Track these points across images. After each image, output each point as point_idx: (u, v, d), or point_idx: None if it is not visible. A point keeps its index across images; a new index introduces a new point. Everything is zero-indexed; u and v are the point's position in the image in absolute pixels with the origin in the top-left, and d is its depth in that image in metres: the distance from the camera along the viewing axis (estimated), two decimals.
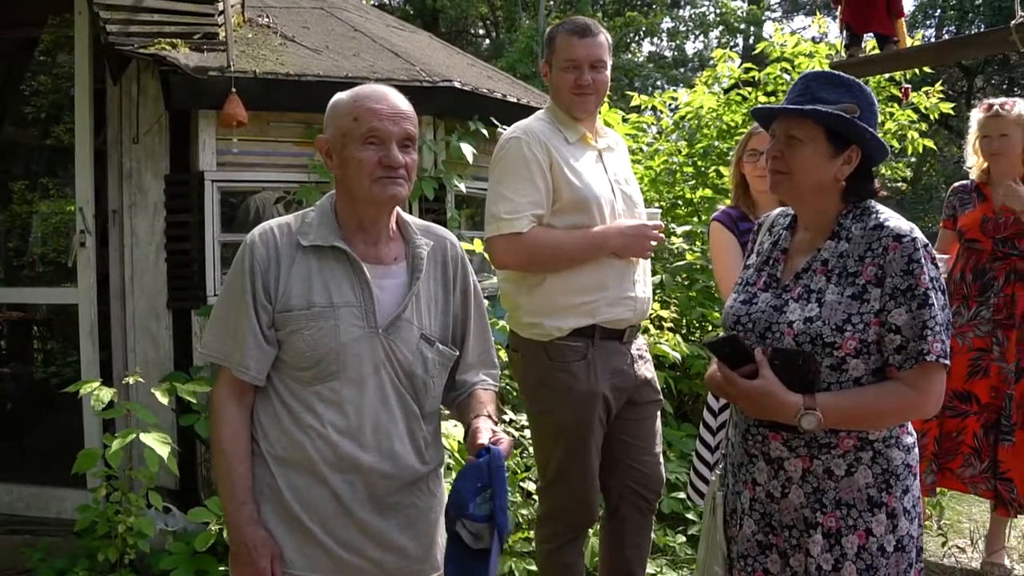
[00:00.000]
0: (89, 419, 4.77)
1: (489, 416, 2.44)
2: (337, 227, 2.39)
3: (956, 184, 4.64)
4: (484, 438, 2.28)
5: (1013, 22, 4.90)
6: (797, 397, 2.21)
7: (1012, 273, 4.26)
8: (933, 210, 15.07)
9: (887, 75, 7.48)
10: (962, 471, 4.33)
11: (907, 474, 2.36)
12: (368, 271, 2.36)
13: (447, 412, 2.72)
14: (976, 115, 4.43)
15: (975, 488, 4.39)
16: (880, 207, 2.40)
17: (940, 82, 8.43)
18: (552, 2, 22.87)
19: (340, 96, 2.40)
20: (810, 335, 2.26)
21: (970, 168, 4.52)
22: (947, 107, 8.05)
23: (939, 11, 23.31)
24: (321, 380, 2.32)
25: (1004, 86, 22.78)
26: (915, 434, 2.45)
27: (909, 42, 6.07)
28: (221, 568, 4.01)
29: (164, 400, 4.18)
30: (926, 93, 7.98)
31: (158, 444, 3.91)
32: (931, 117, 8.11)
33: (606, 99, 3.86)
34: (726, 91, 8.05)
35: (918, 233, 2.29)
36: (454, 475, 2.55)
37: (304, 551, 2.34)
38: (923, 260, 2.24)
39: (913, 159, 8.88)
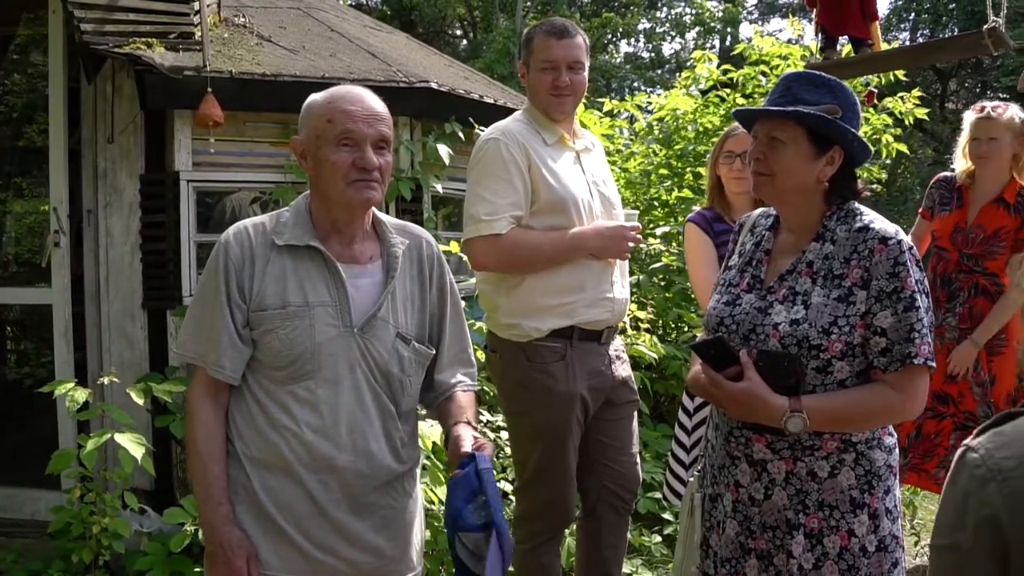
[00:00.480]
0: (63, 420, 4.74)
1: (468, 423, 2.44)
2: (312, 227, 2.39)
3: (941, 175, 4.60)
4: (467, 445, 2.28)
5: (985, 26, 4.93)
6: (783, 399, 2.21)
7: (974, 287, 4.27)
8: (908, 211, 15.18)
9: (861, 78, 7.53)
10: (936, 472, 4.36)
11: (888, 475, 2.37)
12: (343, 270, 2.35)
13: (424, 412, 2.72)
14: (968, 116, 4.40)
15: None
16: (863, 209, 2.41)
17: (916, 88, 8.50)
18: (530, 3, 22.88)
19: (315, 97, 2.40)
20: (796, 337, 2.27)
21: (953, 168, 4.49)
22: (922, 112, 8.12)
23: (913, 15, 23.49)
24: (296, 380, 2.32)
25: (977, 89, 22.96)
26: (895, 435, 2.46)
27: (884, 45, 6.11)
28: (196, 569, 3.99)
29: (139, 400, 4.16)
30: (902, 98, 8.04)
31: (133, 445, 3.88)
32: (905, 122, 8.17)
33: (583, 100, 3.87)
34: (704, 92, 8.07)
35: (903, 236, 2.30)
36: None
37: (279, 551, 2.33)
38: (909, 263, 2.25)
39: (888, 161, 8.91)
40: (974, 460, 1.43)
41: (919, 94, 8.23)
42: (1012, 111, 4.26)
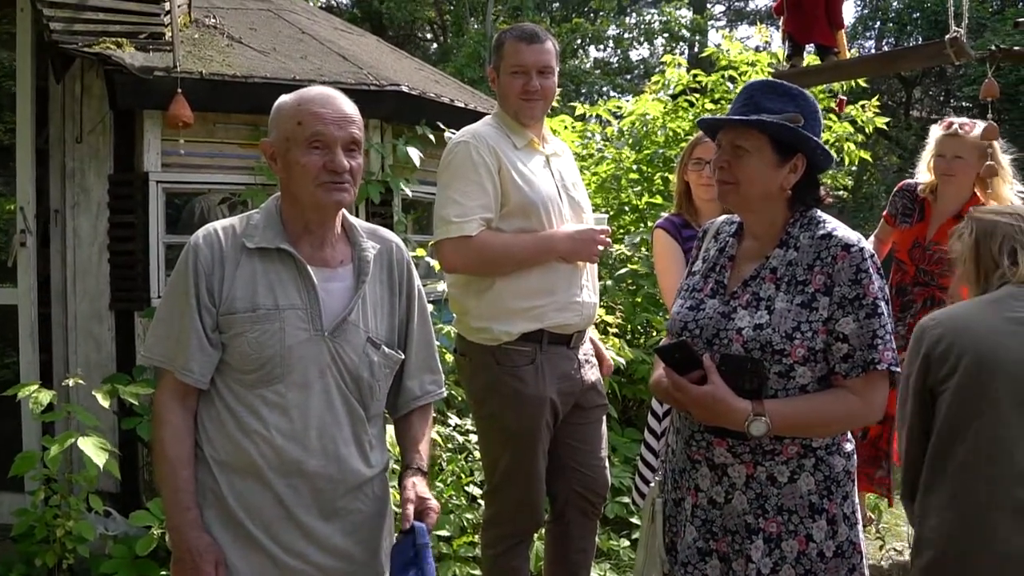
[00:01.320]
0: (28, 422, 4.69)
1: (420, 469, 2.46)
2: (283, 229, 2.38)
3: (905, 183, 4.52)
4: (410, 514, 2.30)
5: (947, 36, 4.99)
6: (746, 403, 2.23)
7: (930, 300, 4.27)
8: (873, 218, 15.29)
9: (827, 86, 7.60)
10: (879, 475, 4.41)
11: (847, 480, 2.40)
12: (314, 274, 2.34)
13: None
14: (935, 131, 4.33)
15: (881, 488, 4.48)
16: (826, 216, 2.44)
17: (878, 95, 8.59)
18: (500, 7, 22.89)
19: (285, 99, 2.39)
20: (760, 342, 2.28)
21: (917, 182, 4.41)
22: (881, 121, 8.20)
23: (878, 24, 23.69)
24: (266, 383, 2.31)
25: (941, 97, 23.24)
26: (853, 441, 2.49)
27: (849, 53, 6.17)
28: (163, 573, 3.97)
29: (105, 403, 4.13)
30: (863, 107, 8.12)
31: (96, 451, 3.86)
32: (867, 129, 8.25)
33: (552, 106, 3.89)
34: (674, 97, 8.12)
35: (865, 243, 2.33)
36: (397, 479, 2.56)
37: (248, 556, 2.32)
38: (870, 270, 2.28)
39: (853, 168, 9.00)
40: (928, 320, 2.65)
41: (883, 102, 8.33)
42: (979, 129, 4.19)
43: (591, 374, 3.57)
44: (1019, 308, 2.63)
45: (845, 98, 6.92)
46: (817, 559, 2.33)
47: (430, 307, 2.70)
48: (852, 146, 7.94)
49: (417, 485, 2.40)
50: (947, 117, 4.49)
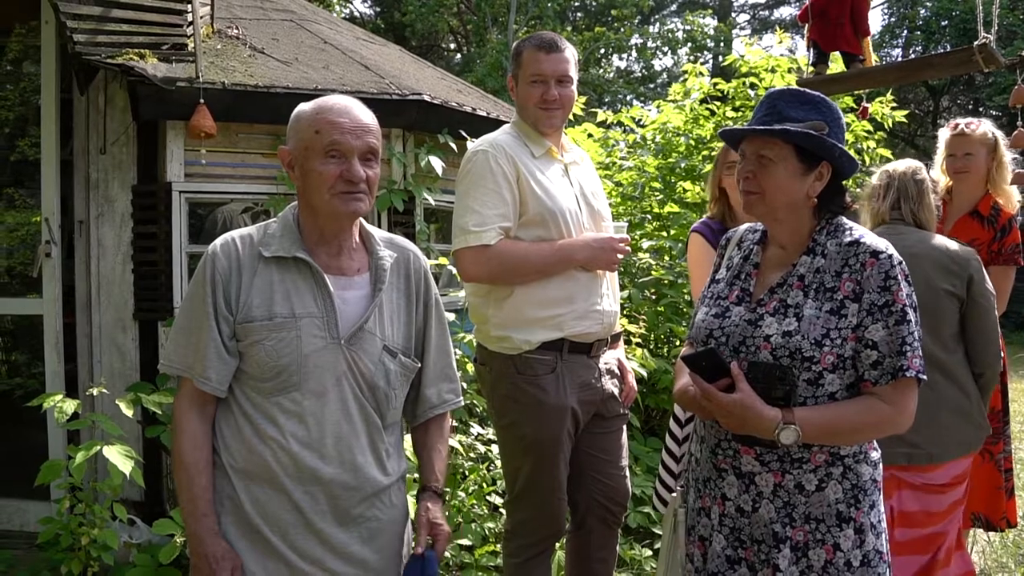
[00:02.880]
0: (53, 431, 4.74)
1: (435, 491, 2.50)
2: (300, 238, 2.39)
3: None
4: (422, 541, 2.35)
5: (976, 43, 4.96)
6: (776, 411, 2.21)
7: None
8: None
9: (852, 94, 7.55)
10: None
11: (874, 489, 2.38)
12: (330, 282, 2.35)
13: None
14: (943, 134, 4.49)
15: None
16: (851, 223, 2.42)
17: (905, 105, 8.48)
18: (521, 17, 22.94)
19: (303, 107, 2.40)
20: (789, 349, 2.27)
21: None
22: (901, 115, 8.12)
23: (906, 32, 23.58)
24: (282, 391, 2.31)
25: (969, 106, 23.06)
26: (879, 449, 2.47)
27: (875, 61, 6.14)
28: None
29: (128, 412, 4.15)
30: (880, 102, 8.04)
31: (121, 459, 3.87)
32: (886, 125, 8.17)
33: (575, 114, 3.87)
34: (699, 103, 8.08)
35: (893, 250, 2.31)
36: (416, 489, 2.56)
37: (265, 563, 2.32)
38: (899, 277, 2.27)
39: (873, 168, 8.90)
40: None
41: (910, 111, 8.25)
42: (985, 126, 4.35)
43: (611, 383, 3.56)
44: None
45: (868, 106, 6.89)
46: (844, 568, 2.31)
47: (451, 316, 2.70)
48: (872, 143, 7.88)
49: (431, 510, 2.43)
50: (952, 119, 4.57)
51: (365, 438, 2.40)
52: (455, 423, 4.85)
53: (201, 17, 5.18)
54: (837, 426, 2.27)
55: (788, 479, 2.32)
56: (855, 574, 2.32)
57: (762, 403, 2.22)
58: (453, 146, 5.50)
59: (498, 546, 4.36)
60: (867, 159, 7.89)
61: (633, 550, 4.89)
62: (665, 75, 28.01)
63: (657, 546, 4.92)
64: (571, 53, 3.46)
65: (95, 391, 4.23)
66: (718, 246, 3.67)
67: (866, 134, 7.85)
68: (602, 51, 25.43)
